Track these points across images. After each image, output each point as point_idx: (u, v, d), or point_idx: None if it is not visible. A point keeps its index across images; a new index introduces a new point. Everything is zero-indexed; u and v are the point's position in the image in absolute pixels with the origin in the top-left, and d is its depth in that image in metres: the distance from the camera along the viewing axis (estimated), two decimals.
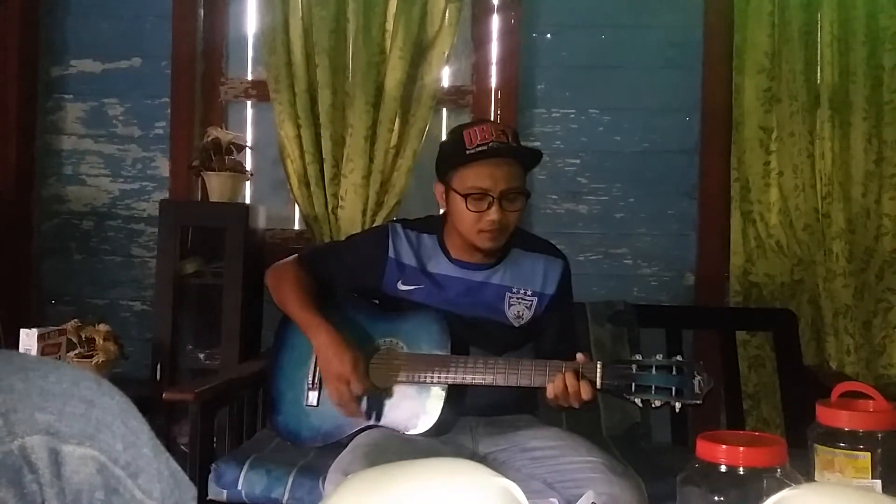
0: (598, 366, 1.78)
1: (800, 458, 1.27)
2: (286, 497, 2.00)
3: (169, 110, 3.04)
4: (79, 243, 3.09)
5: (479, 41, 3.03)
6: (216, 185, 2.82)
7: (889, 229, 2.73)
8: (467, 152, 1.89)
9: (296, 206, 2.95)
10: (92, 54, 3.08)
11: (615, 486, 1.71)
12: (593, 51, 2.97)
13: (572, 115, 2.97)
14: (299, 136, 2.82)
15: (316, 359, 2.05)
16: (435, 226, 2.07)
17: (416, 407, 1.92)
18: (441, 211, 2.07)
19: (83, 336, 2.57)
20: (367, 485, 0.78)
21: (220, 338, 2.71)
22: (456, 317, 1.98)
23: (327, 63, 2.79)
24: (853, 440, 1.28)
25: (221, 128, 2.95)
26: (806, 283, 2.80)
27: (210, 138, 2.82)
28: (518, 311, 2.02)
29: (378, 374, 1.97)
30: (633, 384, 1.74)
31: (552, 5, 2.97)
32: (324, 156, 2.82)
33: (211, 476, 2.06)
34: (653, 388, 1.73)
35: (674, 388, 1.71)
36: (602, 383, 1.77)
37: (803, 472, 1.22)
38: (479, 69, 3.04)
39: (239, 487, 2.03)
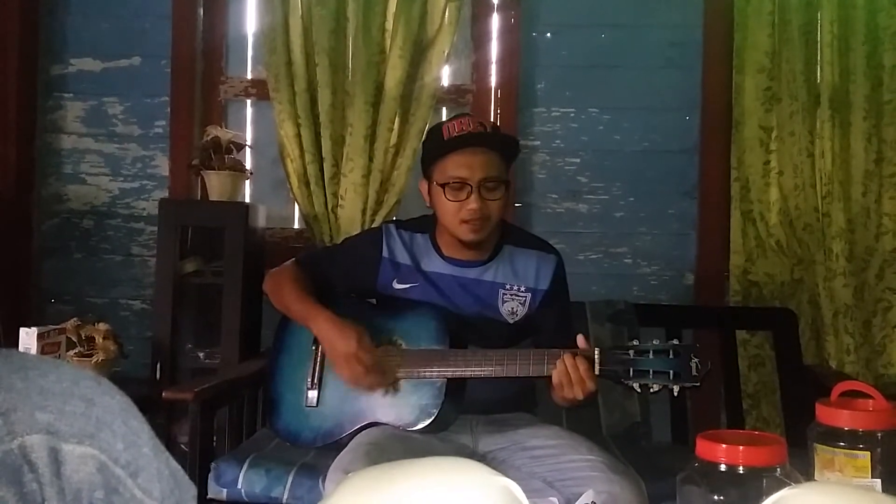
0: (597, 351, 1.79)
1: (800, 457, 1.27)
2: (286, 496, 2.00)
3: (169, 109, 3.04)
4: (79, 242, 3.09)
5: (479, 40, 3.03)
6: (216, 184, 2.82)
7: (889, 229, 2.73)
8: (444, 141, 1.92)
9: (295, 205, 2.95)
10: (92, 53, 3.08)
11: (615, 484, 1.71)
12: (593, 50, 2.97)
13: (572, 115, 2.97)
14: (299, 136, 2.82)
15: (316, 358, 2.06)
16: (427, 225, 2.08)
17: (416, 403, 1.92)
18: (429, 208, 2.08)
19: (83, 335, 2.57)
20: (367, 484, 0.78)
21: (219, 337, 2.71)
22: (452, 314, 1.99)
23: (327, 62, 2.79)
24: (853, 439, 1.28)
25: (221, 127, 2.95)
26: (806, 283, 2.80)
27: (210, 137, 2.82)
28: (512, 308, 2.03)
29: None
30: (631, 369, 1.75)
31: (552, 4, 2.97)
32: (323, 155, 2.82)
33: (211, 475, 2.06)
34: (650, 372, 1.74)
35: (671, 372, 1.72)
36: (600, 369, 1.78)
37: (803, 471, 1.22)
38: (479, 68, 3.04)
39: (239, 486, 2.03)
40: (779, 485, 1.06)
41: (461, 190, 1.91)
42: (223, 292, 2.71)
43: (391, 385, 1.95)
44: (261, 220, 2.91)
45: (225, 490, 2.04)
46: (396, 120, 2.83)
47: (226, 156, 2.82)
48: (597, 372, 1.78)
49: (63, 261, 3.09)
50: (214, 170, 2.81)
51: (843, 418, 1.30)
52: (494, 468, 0.81)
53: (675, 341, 1.78)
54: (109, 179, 3.09)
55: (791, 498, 0.85)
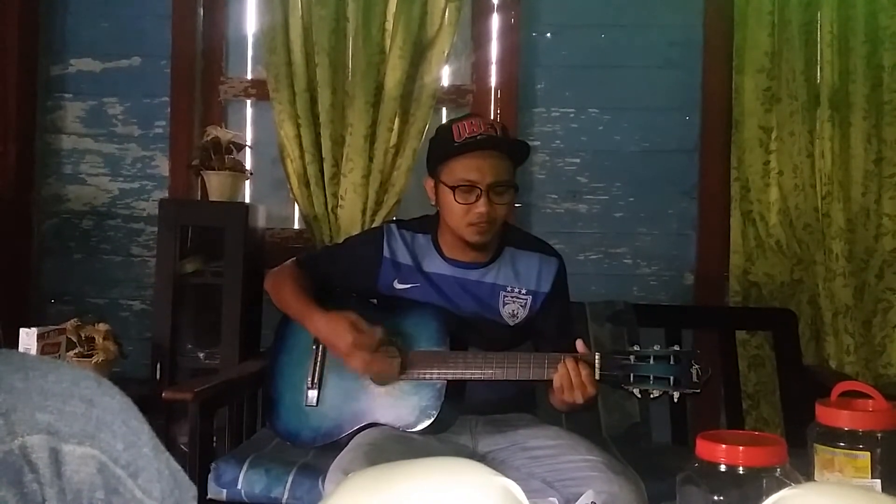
0: (597, 357, 1.79)
1: (799, 457, 1.27)
2: (286, 496, 2.00)
3: (169, 109, 3.04)
4: (78, 243, 3.09)
5: (478, 40, 3.03)
6: (216, 185, 2.82)
7: (889, 229, 2.73)
8: (455, 144, 1.91)
9: (295, 205, 2.95)
10: (92, 53, 3.08)
11: (615, 484, 1.71)
12: (593, 50, 2.97)
13: (572, 115, 2.97)
14: (299, 136, 2.82)
15: (316, 358, 2.06)
16: (429, 225, 2.08)
17: (416, 404, 1.92)
18: (433, 206, 2.07)
19: (83, 335, 2.57)
20: (366, 484, 0.78)
21: (219, 337, 2.71)
22: (452, 315, 1.99)
23: (327, 62, 2.79)
24: (853, 440, 1.28)
25: (221, 127, 2.95)
26: (805, 283, 2.80)
27: (210, 137, 2.82)
28: (513, 310, 2.03)
29: (378, 373, 1.97)
30: (632, 374, 1.75)
31: (552, 4, 2.97)
32: (323, 155, 2.82)
33: (211, 475, 2.06)
34: (651, 377, 1.74)
35: (672, 378, 1.73)
36: (601, 374, 1.78)
37: (803, 471, 1.21)
38: (479, 68, 3.04)
39: (239, 487, 2.03)
40: (779, 485, 1.06)
41: (470, 193, 1.90)
42: (223, 292, 2.71)
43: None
44: (261, 220, 2.91)
45: (225, 490, 2.04)
46: (396, 120, 2.83)
47: (226, 156, 2.82)
48: (597, 377, 1.78)
49: (63, 261, 3.09)
50: (214, 170, 2.81)
51: (842, 418, 1.30)
52: (494, 468, 0.81)
53: (676, 347, 1.78)
54: (109, 180, 3.09)
55: (791, 498, 0.85)
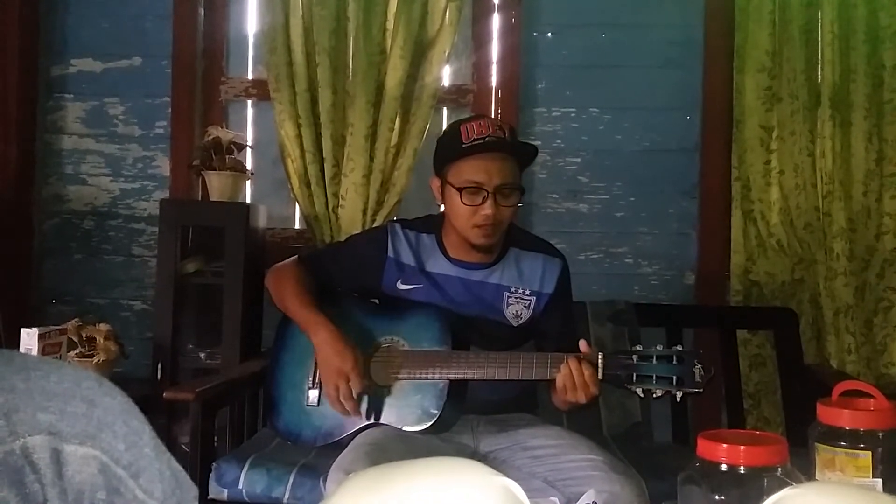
0: (600, 357, 1.80)
1: (801, 456, 1.26)
2: (287, 496, 2.00)
3: (169, 109, 3.04)
4: (79, 243, 3.09)
5: (479, 40, 3.03)
6: (217, 185, 2.82)
7: (890, 228, 2.73)
8: (463, 146, 1.90)
9: (296, 205, 2.95)
10: (92, 54, 3.08)
11: (616, 484, 1.71)
12: (594, 50, 2.97)
13: (573, 114, 2.97)
14: (300, 136, 2.82)
15: (316, 358, 2.05)
16: (433, 225, 2.07)
17: (417, 404, 1.92)
18: (440, 206, 2.07)
19: (84, 335, 2.57)
20: (368, 484, 0.78)
21: (220, 337, 2.71)
22: (455, 315, 1.99)
23: (328, 62, 2.79)
24: (854, 439, 1.28)
25: (222, 127, 2.95)
26: (807, 282, 2.80)
27: (210, 137, 2.82)
28: (516, 311, 2.03)
29: (379, 372, 1.97)
30: (635, 374, 1.76)
31: (553, 4, 2.97)
32: (324, 155, 2.82)
33: (212, 475, 2.06)
34: (654, 377, 1.75)
35: (675, 377, 1.73)
36: (604, 374, 1.79)
37: (804, 471, 1.21)
38: (480, 68, 3.04)
39: (240, 487, 2.03)
40: (780, 484, 1.06)
41: (477, 194, 1.90)
42: (224, 292, 2.71)
43: (386, 387, 1.94)
44: (261, 220, 2.91)
45: (226, 490, 2.05)
46: (397, 120, 2.83)
47: (226, 156, 2.82)
48: (600, 377, 1.79)
49: (64, 261, 3.09)
50: (215, 170, 2.81)
51: (844, 418, 1.30)
52: (495, 468, 0.81)
53: (679, 347, 1.79)
54: (110, 180, 3.09)
55: (792, 498, 0.85)
